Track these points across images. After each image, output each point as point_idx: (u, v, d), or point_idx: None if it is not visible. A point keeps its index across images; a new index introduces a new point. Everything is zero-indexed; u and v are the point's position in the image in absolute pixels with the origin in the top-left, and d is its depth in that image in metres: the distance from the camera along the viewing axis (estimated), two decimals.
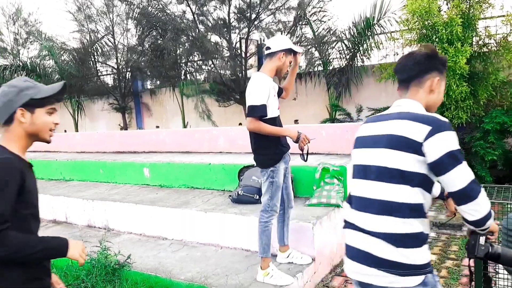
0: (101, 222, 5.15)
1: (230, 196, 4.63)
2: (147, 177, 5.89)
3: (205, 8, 9.95)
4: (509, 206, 2.81)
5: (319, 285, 3.57)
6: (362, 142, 1.71)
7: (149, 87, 13.49)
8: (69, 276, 3.79)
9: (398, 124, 1.55)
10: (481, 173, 6.26)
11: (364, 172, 1.64)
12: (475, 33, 6.59)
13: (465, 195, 1.44)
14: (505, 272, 2.31)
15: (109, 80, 13.98)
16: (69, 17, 14.61)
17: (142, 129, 13.12)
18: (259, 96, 2.98)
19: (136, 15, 10.69)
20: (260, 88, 3.01)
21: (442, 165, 1.44)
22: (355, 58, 8.59)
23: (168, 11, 10.27)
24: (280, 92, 3.33)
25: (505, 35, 6.43)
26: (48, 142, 1.67)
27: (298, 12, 9.43)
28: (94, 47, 12.54)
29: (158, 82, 12.41)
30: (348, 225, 1.72)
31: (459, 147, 1.48)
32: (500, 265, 2.26)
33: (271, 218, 3.17)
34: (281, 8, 9.70)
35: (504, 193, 2.46)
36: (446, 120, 1.51)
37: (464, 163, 1.45)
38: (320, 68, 9.14)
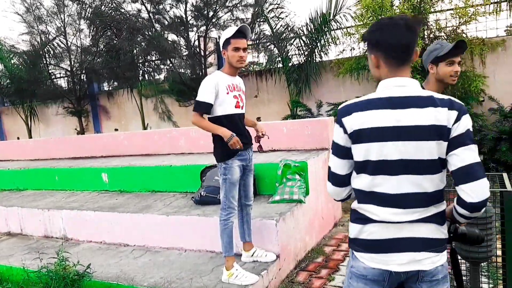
0: (59, 231, 4.94)
1: (193, 197, 4.55)
2: (106, 183, 5.70)
3: (161, 7, 9.75)
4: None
5: (284, 281, 3.58)
6: (379, 135, 1.48)
7: (106, 89, 13.08)
8: None
9: (424, 113, 1.44)
10: None
11: (397, 167, 1.47)
12: (426, 27, 6.82)
13: (473, 172, 1.41)
14: (459, 257, 2.39)
15: (63, 83, 13.43)
16: (18, 19, 13.90)
17: (100, 132, 12.72)
18: (202, 93, 3.04)
19: (89, 14, 10.31)
20: (205, 85, 3.05)
21: (461, 139, 1.42)
22: (313, 54, 8.69)
23: (123, 10, 9.98)
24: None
25: (455, 27, 6.70)
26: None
27: (256, 9, 9.42)
28: (45, 49, 12.01)
29: (115, 83, 12.04)
30: (379, 221, 1.54)
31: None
32: None
33: (230, 216, 3.15)
34: (238, 5, 9.65)
35: None
36: (462, 103, 1.51)
37: (476, 146, 1.46)
38: (280, 65, 9.18)
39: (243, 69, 10.58)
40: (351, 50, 8.47)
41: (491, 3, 6.76)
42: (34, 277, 3.69)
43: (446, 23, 6.95)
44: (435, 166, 1.46)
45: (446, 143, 1.44)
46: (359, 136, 1.50)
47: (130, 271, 3.68)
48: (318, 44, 8.66)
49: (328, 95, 8.56)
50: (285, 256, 3.67)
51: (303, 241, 4.08)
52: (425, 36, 6.93)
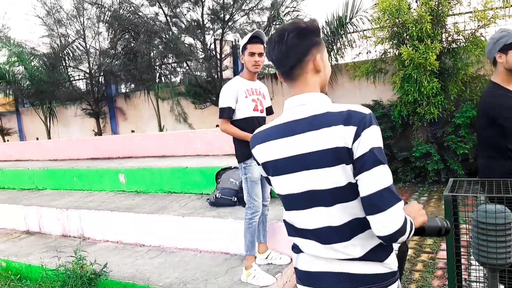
0: (76, 231, 5.03)
1: (208, 199, 4.59)
2: (123, 183, 5.78)
3: (178, 10, 9.85)
4: (481, 198, 2.87)
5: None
6: (278, 168, 1.35)
7: (123, 91, 13.26)
8: (44, 287, 3.69)
9: (319, 136, 1.24)
10: (453, 166, 6.41)
11: (305, 200, 1.32)
12: (444, 30, 6.75)
13: (378, 202, 1.19)
14: (477, 263, 2.36)
15: (81, 85, 13.65)
16: (38, 22, 14.22)
17: (117, 134, 12.89)
18: (223, 99, 3.17)
19: (108, 18, 10.48)
20: (225, 91, 3.17)
21: (363, 161, 1.19)
22: (329, 57, 8.66)
23: (140, 14, 10.11)
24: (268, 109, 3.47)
25: (473, 30, 6.61)
26: None
27: (272, 12, 9.44)
28: (65, 52, 12.23)
29: (132, 85, 12.20)
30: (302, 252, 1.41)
31: (381, 145, 1.24)
32: (472, 257, 2.30)
33: (255, 215, 3.21)
34: (254, 8, 9.69)
35: (476, 185, 2.52)
36: (367, 110, 1.25)
37: (386, 166, 1.21)
38: None
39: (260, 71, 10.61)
40: (367, 53, 8.42)
41: (511, 5, 6.65)
42: (52, 275, 3.76)
43: (465, 26, 6.85)
44: (346, 193, 1.25)
45: (350, 166, 1.22)
46: (266, 169, 1.41)
47: (145, 271, 3.72)
48: (334, 47, 8.63)
49: (344, 98, 8.52)
50: None
51: None
52: (443, 40, 6.85)
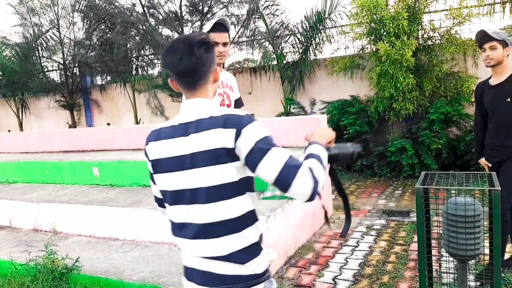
0: (48, 225, 4.90)
1: None
2: (97, 176, 5.67)
3: (155, 1, 9.69)
4: (452, 192, 2.93)
5: (274, 277, 3.58)
6: (164, 166, 1.45)
7: (98, 83, 12.98)
8: (14, 283, 3.59)
9: (201, 138, 1.35)
10: (427, 161, 6.54)
11: (182, 197, 1.41)
12: (420, 27, 6.85)
13: (284, 181, 1.28)
14: (447, 255, 2.41)
15: (55, 76, 13.30)
16: (10, 10, 13.74)
17: (92, 126, 12.63)
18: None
19: (83, 7, 10.21)
20: None
21: (254, 155, 1.31)
22: (308, 52, 8.68)
23: (117, 4, 9.89)
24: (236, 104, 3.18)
25: (448, 28, 6.74)
26: None
27: (251, 6, 9.38)
28: (38, 42, 11.88)
29: (108, 77, 11.95)
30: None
31: (267, 134, 1.36)
32: (443, 248, 2.35)
33: None
34: (233, 1, 9.61)
35: (448, 179, 2.57)
36: (244, 112, 1.40)
37: (276, 148, 1.33)
38: (275, 62, 9.16)
39: (237, 65, 10.57)
40: (345, 48, 8.48)
41: (485, 4, 6.80)
42: (22, 270, 3.66)
43: (440, 23, 6.98)
44: (227, 191, 1.36)
45: (237, 163, 1.34)
46: (154, 166, 1.50)
47: (119, 265, 3.66)
48: (313, 42, 8.65)
49: (322, 93, 8.57)
50: (275, 252, 3.67)
51: (294, 238, 4.09)
52: (419, 36, 6.95)
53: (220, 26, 2.77)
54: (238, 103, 3.24)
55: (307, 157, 1.37)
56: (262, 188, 4.31)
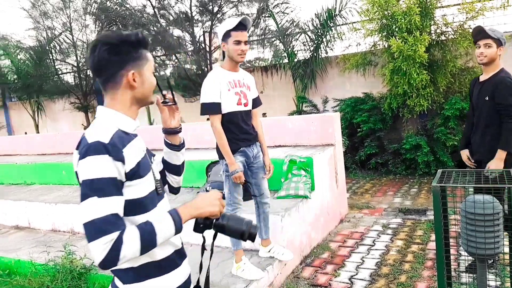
0: (66, 225, 4.98)
1: (198, 192, 4.57)
2: None
3: (166, 2, 9.73)
4: (469, 190, 2.90)
5: (289, 277, 3.59)
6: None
7: None
8: (33, 282, 3.65)
9: (74, 157, 1.30)
10: (443, 158, 6.47)
11: None
12: (433, 22, 6.77)
13: (86, 237, 1.20)
14: (466, 254, 2.39)
15: (69, 78, 13.48)
16: (24, 14, 13.96)
17: None
18: (207, 93, 2.95)
19: (94, 10, 10.33)
20: (207, 85, 2.96)
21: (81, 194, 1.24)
22: (319, 50, 8.65)
23: (128, 5, 9.98)
24: (254, 103, 3.23)
25: (462, 23, 6.64)
26: None
27: (261, 4, 9.38)
28: (51, 45, 12.06)
29: None
30: None
31: (96, 176, 1.22)
32: (461, 247, 2.32)
33: (235, 211, 3.17)
34: (243, 0, 9.61)
35: (465, 177, 2.54)
36: (94, 138, 1.25)
37: (95, 200, 1.20)
38: (286, 61, 9.15)
39: (248, 64, 10.57)
40: (357, 45, 8.42)
41: None
42: (42, 270, 3.73)
43: (453, 18, 6.88)
44: None
45: None
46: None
47: None
48: (324, 40, 8.62)
49: (334, 91, 8.52)
50: (290, 251, 3.67)
51: (309, 237, 4.09)
52: (432, 32, 6.87)
53: (242, 25, 2.86)
54: (256, 102, 3.27)
55: (146, 223, 1.26)
56: (276, 187, 4.32)
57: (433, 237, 4.12)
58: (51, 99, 13.46)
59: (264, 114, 9.49)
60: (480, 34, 3.07)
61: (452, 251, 2.77)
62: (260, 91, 9.68)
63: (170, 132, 1.60)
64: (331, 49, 8.73)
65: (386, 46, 6.98)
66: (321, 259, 3.90)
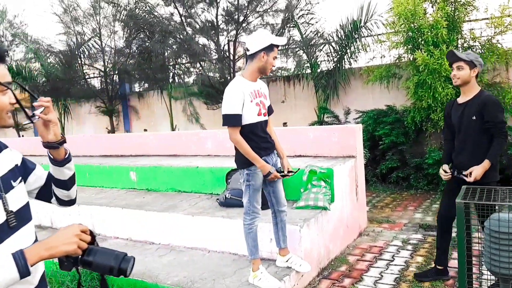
0: (88, 227, 5.07)
1: (217, 199, 4.60)
2: (134, 181, 5.83)
3: (192, 10, 9.91)
4: (496, 207, 2.84)
5: None
6: None
7: (136, 90, 13.39)
8: (54, 282, 3.73)
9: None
10: None
11: None
12: (460, 36, 6.68)
13: None
14: (489, 273, 2.33)
15: (96, 83, 13.83)
16: (55, 19, 14.45)
17: (130, 132, 13.01)
18: (230, 104, 2.96)
19: (123, 17, 10.60)
20: (232, 95, 2.97)
21: None
22: (343, 61, 8.63)
23: (156, 13, 10.21)
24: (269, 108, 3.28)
25: (489, 37, 6.53)
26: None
27: (286, 15, 9.45)
28: (80, 50, 12.41)
29: (146, 85, 12.31)
30: None
31: None
32: (484, 266, 2.27)
33: (254, 220, 3.18)
34: (268, 10, 9.71)
35: (490, 194, 2.49)
36: None
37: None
38: (308, 71, 9.16)
39: (271, 74, 10.63)
40: (381, 57, 8.37)
41: None
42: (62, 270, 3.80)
43: (481, 32, 6.77)
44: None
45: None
46: None
47: (154, 268, 3.75)
48: (348, 51, 8.60)
49: (356, 103, 8.47)
50: (308, 263, 3.65)
51: (327, 249, 4.05)
52: (459, 46, 6.78)
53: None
54: (270, 110, 3.31)
55: None
56: (295, 197, 4.31)
57: (454, 254, 4.02)
58: (78, 102, 13.82)
59: (285, 124, 9.50)
60: (452, 57, 3.21)
61: (474, 270, 2.71)
62: (282, 101, 9.71)
63: (49, 146, 1.46)
64: (355, 60, 8.70)
65: (411, 59, 6.91)
66: (338, 272, 3.86)
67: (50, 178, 1.55)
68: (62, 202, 1.62)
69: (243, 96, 2.96)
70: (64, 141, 1.46)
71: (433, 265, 3.66)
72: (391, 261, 4.03)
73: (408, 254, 4.17)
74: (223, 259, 3.84)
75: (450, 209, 3.12)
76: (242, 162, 3.12)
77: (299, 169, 3.45)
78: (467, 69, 3.14)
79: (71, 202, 1.64)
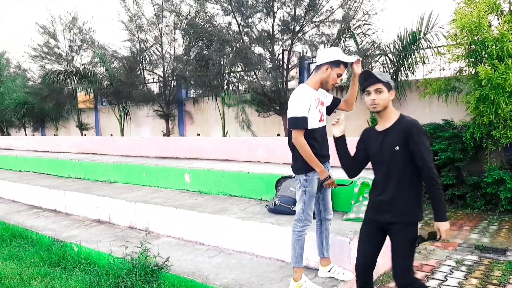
0: (142, 224, 5.34)
1: (267, 205, 4.68)
2: (188, 183, 6.06)
3: (250, 20, 10.13)
4: None
5: None
6: None
7: (192, 95, 13.87)
8: (110, 273, 3.94)
9: None
10: None
11: None
12: None
13: None
14: None
15: (155, 87, 14.50)
16: (121, 27, 15.33)
17: (184, 136, 13.47)
18: (298, 107, 3.07)
19: (184, 26, 11.04)
20: (300, 99, 3.09)
21: None
22: (399, 72, 8.45)
23: (215, 23, 10.54)
24: (335, 103, 3.48)
25: None
26: None
27: (342, 25, 9.41)
28: (142, 56, 13.08)
29: (201, 91, 12.72)
30: None
31: None
32: None
33: (305, 228, 3.21)
34: (325, 20, 9.72)
35: None
36: None
37: None
38: None
39: None
40: (440, 70, 8.11)
41: None
42: (118, 263, 4.01)
43: None
44: None
45: None
46: None
47: (204, 269, 3.88)
48: (405, 63, 8.40)
49: (412, 115, 7.99)
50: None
51: (377, 262, 3.99)
52: None
53: (347, 63, 3.17)
54: (336, 100, 3.56)
55: None
56: (346, 209, 4.29)
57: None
58: (137, 106, 14.53)
59: None
60: (369, 79, 2.67)
61: None
62: (333, 111, 9.63)
63: None
64: (412, 72, 8.49)
65: (473, 72, 6.64)
66: None
67: None
68: None
69: (310, 101, 3.10)
70: None
71: None
72: (443, 281, 3.90)
73: (462, 275, 4.00)
74: (271, 265, 3.90)
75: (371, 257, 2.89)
76: (300, 167, 3.18)
77: (352, 181, 3.46)
78: (385, 92, 2.65)
79: None
